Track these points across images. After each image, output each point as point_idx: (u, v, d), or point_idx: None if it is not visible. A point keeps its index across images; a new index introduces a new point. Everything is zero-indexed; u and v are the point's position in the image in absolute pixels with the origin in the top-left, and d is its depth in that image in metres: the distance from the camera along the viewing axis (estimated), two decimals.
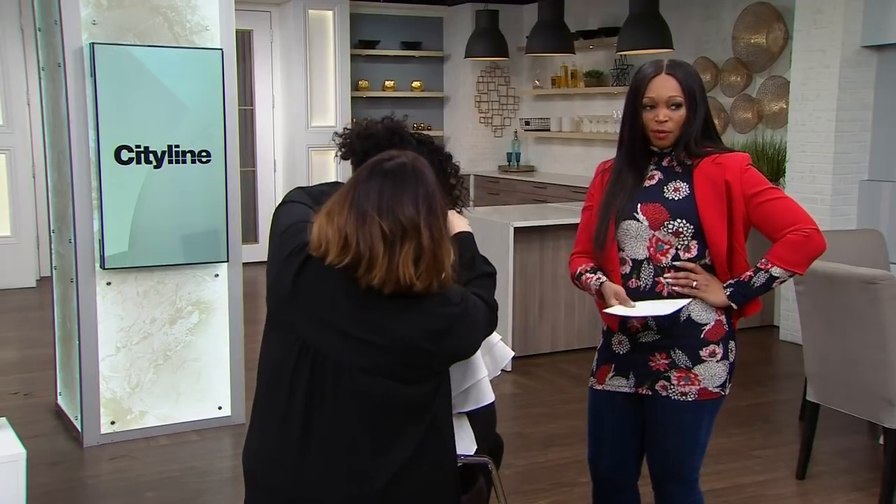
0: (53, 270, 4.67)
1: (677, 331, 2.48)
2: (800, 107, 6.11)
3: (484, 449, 2.48)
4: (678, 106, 2.44)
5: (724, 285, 2.46)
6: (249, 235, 8.53)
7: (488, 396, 2.37)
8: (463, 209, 2.44)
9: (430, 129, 9.64)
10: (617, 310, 2.46)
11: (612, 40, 7.86)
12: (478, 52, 8.71)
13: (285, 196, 2.30)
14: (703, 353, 2.48)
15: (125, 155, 4.11)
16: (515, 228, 5.52)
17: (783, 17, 6.71)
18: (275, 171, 9.15)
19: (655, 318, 2.46)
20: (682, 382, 2.48)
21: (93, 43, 4.01)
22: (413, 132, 2.39)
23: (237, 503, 3.59)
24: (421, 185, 1.95)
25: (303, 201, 2.21)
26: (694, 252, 2.47)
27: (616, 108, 8.17)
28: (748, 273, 2.44)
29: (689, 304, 2.45)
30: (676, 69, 2.46)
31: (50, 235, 4.68)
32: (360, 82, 9.37)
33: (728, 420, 4.48)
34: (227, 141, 4.32)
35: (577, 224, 2.71)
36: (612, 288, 2.50)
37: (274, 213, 2.23)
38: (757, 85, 7.07)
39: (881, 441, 3.82)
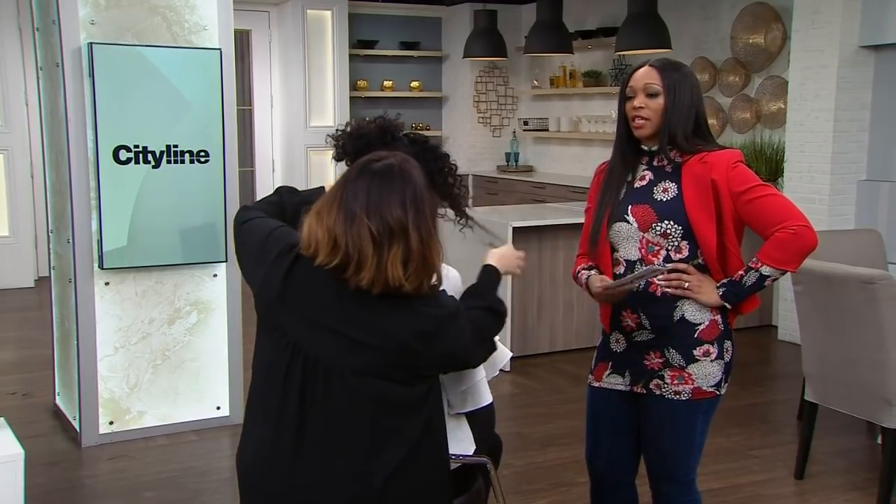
0: (52, 270, 4.66)
1: (671, 330, 2.48)
2: (798, 107, 6.11)
3: (482, 449, 2.48)
4: (655, 95, 2.43)
5: (717, 285, 2.45)
6: None
7: (486, 398, 2.38)
8: (465, 208, 2.44)
9: (428, 129, 9.65)
10: (606, 283, 2.48)
11: (611, 40, 7.86)
12: (476, 52, 8.70)
13: (238, 216, 2.25)
14: (697, 352, 2.47)
15: (124, 155, 4.11)
16: (514, 228, 5.52)
17: (781, 18, 6.71)
18: (273, 171, 9.15)
19: (639, 284, 2.45)
20: (675, 381, 2.48)
21: (91, 43, 4.01)
22: (408, 132, 2.39)
23: (235, 503, 3.59)
24: (409, 186, 1.94)
25: (263, 213, 2.21)
26: (685, 252, 2.46)
27: (614, 108, 8.15)
28: (740, 272, 2.43)
29: (663, 268, 2.43)
30: (662, 63, 2.46)
31: (48, 235, 4.68)
32: (358, 82, 9.36)
33: (726, 420, 4.48)
34: (226, 141, 4.32)
35: (576, 224, 2.72)
36: (597, 277, 2.52)
37: (237, 234, 2.20)
38: (755, 85, 7.07)
39: (879, 441, 3.82)
